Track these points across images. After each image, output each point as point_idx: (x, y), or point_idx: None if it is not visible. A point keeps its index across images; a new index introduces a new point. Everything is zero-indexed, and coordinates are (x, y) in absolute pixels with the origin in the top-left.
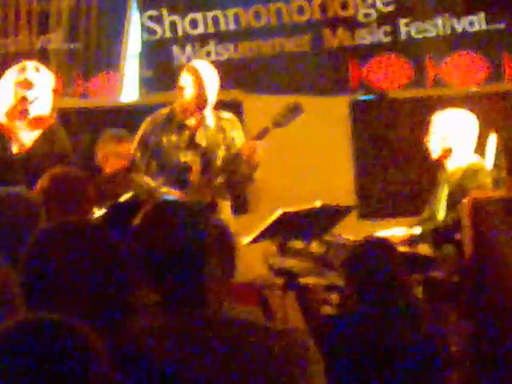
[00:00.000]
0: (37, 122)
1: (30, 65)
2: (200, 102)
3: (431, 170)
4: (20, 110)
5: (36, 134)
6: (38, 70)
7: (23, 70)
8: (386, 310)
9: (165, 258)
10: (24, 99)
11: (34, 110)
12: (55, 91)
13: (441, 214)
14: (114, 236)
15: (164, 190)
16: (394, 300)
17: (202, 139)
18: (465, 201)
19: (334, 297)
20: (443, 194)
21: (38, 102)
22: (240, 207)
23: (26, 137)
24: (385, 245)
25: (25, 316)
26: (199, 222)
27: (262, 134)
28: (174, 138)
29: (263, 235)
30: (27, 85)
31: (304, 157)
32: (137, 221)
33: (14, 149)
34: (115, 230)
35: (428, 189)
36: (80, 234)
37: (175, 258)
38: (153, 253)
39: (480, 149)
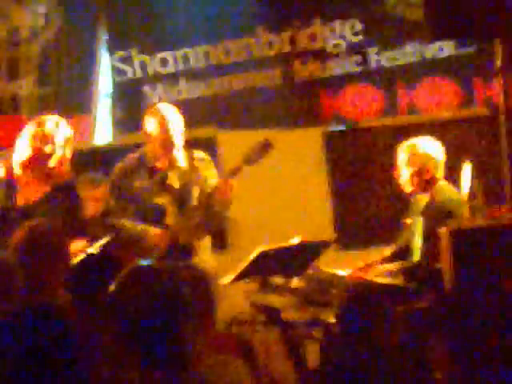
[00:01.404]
0: (51, 175)
1: (50, 119)
2: (166, 146)
3: (407, 196)
4: (35, 162)
5: (47, 188)
6: (57, 124)
7: (42, 123)
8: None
9: (142, 324)
10: (40, 152)
11: (50, 165)
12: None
13: (416, 246)
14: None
15: (142, 227)
16: (377, 346)
17: (174, 181)
18: (442, 231)
19: (317, 331)
20: (418, 225)
21: (54, 157)
22: (219, 244)
23: (36, 191)
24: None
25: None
26: (174, 285)
27: (232, 173)
28: (146, 181)
29: (243, 275)
30: (44, 139)
31: (280, 191)
32: (112, 287)
33: (20, 200)
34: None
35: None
36: (38, 322)
37: (152, 323)
38: (130, 319)
39: (454, 176)
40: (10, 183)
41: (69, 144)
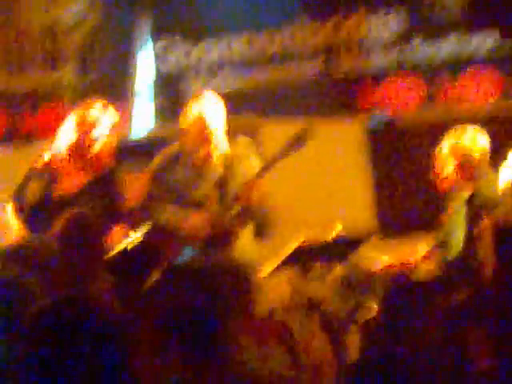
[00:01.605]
0: (93, 164)
1: (95, 105)
2: (203, 139)
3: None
4: (79, 149)
5: (88, 178)
6: (102, 110)
7: (87, 109)
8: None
9: (183, 316)
10: (84, 139)
11: (93, 151)
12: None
13: (458, 238)
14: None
15: (183, 213)
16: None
17: (212, 172)
18: (485, 222)
19: (359, 318)
20: (460, 217)
21: (98, 143)
22: (259, 232)
23: (78, 178)
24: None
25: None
26: (214, 277)
27: (268, 165)
28: (185, 172)
29: (284, 263)
30: (89, 125)
31: (321, 181)
32: (149, 283)
33: (62, 188)
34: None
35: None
36: (77, 311)
37: (193, 315)
38: (170, 311)
39: (498, 165)
40: (52, 171)
41: (113, 131)
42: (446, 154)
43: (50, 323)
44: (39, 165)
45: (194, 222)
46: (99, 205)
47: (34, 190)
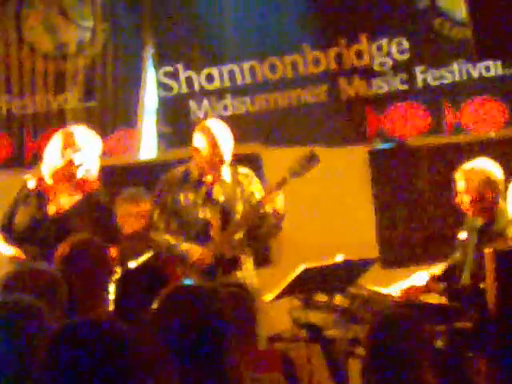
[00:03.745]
0: (81, 185)
1: (79, 129)
2: (215, 162)
3: (452, 216)
4: (66, 172)
5: (77, 197)
6: (86, 134)
7: (71, 133)
8: None
9: (184, 342)
10: (70, 162)
11: (80, 174)
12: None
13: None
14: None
15: (185, 246)
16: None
17: (219, 195)
18: (487, 251)
19: (360, 350)
20: (472, 244)
21: (84, 166)
22: (262, 259)
23: (67, 200)
24: (411, 322)
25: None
26: (216, 304)
27: (279, 185)
28: (191, 195)
29: (286, 292)
30: (75, 148)
31: (324, 208)
32: (155, 305)
33: (51, 209)
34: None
35: (449, 235)
36: (92, 335)
37: (195, 342)
38: (172, 337)
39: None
40: (41, 194)
41: (97, 155)
42: (462, 191)
43: (73, 346)
44: (24, 191)
45: (198, 251)
46: (88, 225)
47: (21, 217)
